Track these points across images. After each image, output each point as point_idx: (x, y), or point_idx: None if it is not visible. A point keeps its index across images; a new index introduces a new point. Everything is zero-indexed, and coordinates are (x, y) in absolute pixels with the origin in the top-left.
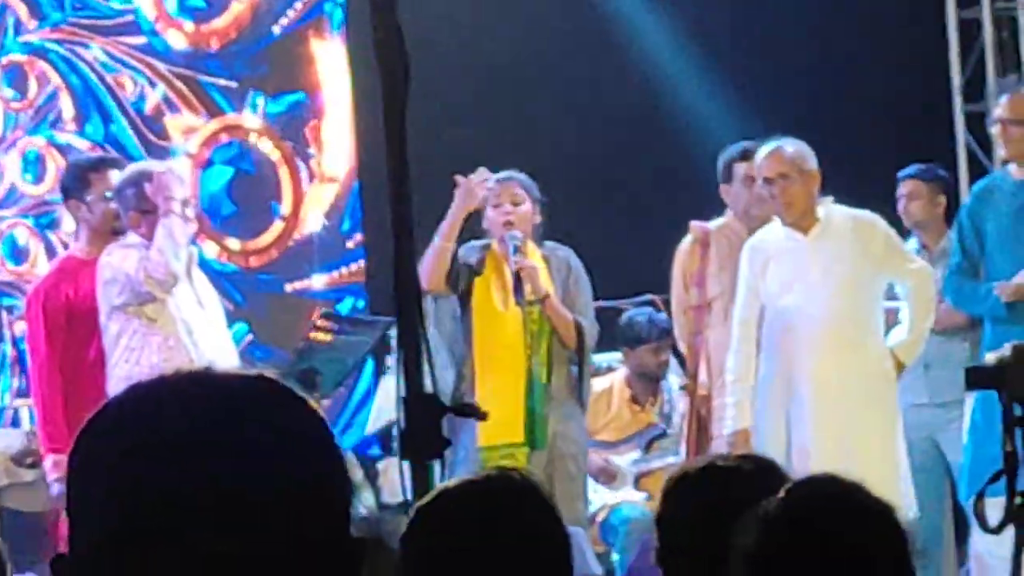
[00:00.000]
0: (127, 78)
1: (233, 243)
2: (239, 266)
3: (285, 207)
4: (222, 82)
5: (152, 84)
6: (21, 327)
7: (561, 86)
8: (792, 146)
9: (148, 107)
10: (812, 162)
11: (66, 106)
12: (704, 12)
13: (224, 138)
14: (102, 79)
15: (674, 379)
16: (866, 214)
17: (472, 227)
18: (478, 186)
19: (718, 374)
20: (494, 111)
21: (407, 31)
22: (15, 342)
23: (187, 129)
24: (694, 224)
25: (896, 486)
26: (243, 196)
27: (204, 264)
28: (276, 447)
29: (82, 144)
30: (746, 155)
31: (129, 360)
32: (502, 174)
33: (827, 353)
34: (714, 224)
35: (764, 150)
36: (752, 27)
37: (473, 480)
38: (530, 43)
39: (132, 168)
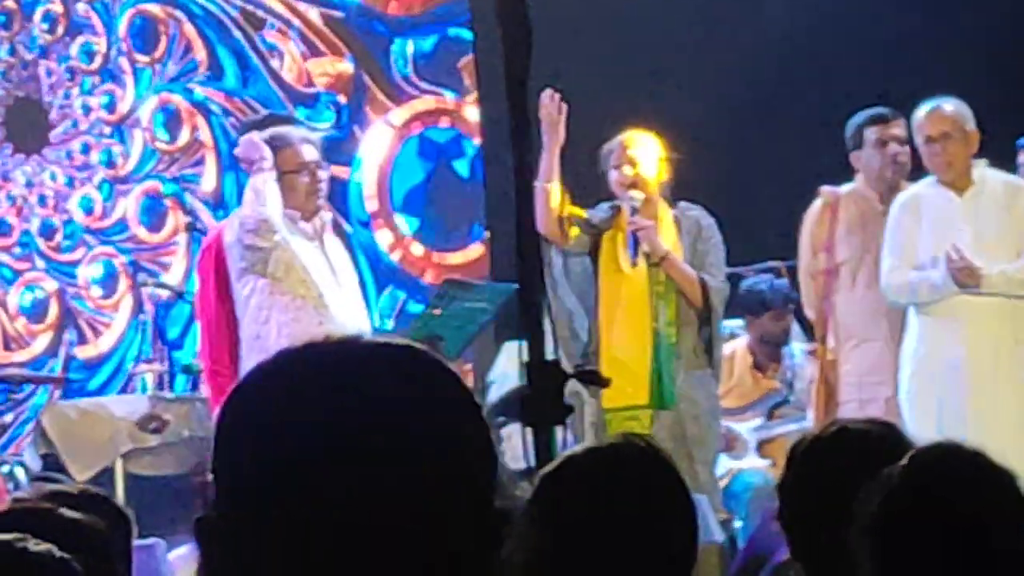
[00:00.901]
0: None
1: (416, 247)
2: (412, 272)
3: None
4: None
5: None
6: (158, 293)
7: (696, 42)
8: (952, 105)
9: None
10: (972, 122)
11: (200, 56)
12: None
13: (444, 122)
14: (235, 22)
15: (797, 345)
16: (1016, 179)
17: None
18: (554, 111)
19: (846, 339)
20: (625, 67)
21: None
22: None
23: (333, 75)
24: (824, 189)
25: None
26: (444, 197)
27: (368, 247)
28: (422, 417)
29: (218, 96)
30: (877, 120)
31: (258, 320)
32: (624, 134)
33: (979, 315)
34: (844, 189)
35: (924, 109)
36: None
37: (599, 447)
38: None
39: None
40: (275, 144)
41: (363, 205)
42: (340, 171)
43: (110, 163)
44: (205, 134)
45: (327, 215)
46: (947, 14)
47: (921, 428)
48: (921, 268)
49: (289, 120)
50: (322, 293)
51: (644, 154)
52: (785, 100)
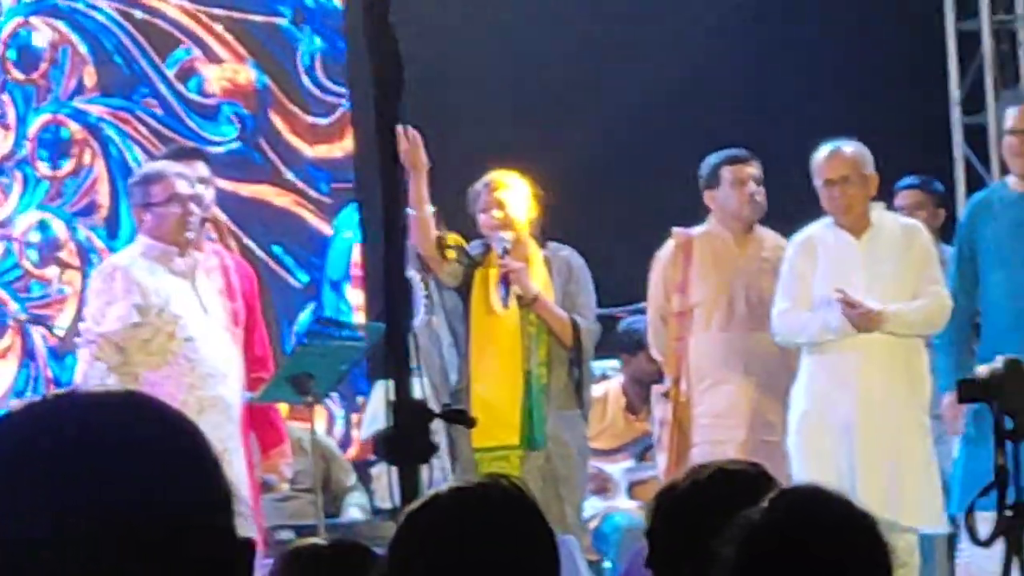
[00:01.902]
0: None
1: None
2: None
3: None
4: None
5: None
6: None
7: (561, 90)
8: (851, 147)
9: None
10: (871, 165)
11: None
12: (700, 21)
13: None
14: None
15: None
16: (913, 222)
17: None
18: (411, 144)
19: (699, 380)
20: (495, 113)
21: (413, 30)
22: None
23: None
24: (677, 231)
25: (936, 501)
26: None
27: None
28: (134, 466)
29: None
30: (733, 160)
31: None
32: (489, 176)
33: (875, 362)
34: (697, 231)
35: (824, 151)
36: (751, 38)
37: (463, 487)
38: (530, 47)
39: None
40: (148, 178)
41: None
42: (245, 189)
43: None
44: (96, 158)
45: (199, 255)
46: (819, 61)
47: (810, 466)
48: (815, 309)
49: (194, 152)
50: (191, 336)
51: (512, 196)
52: (663, 144)
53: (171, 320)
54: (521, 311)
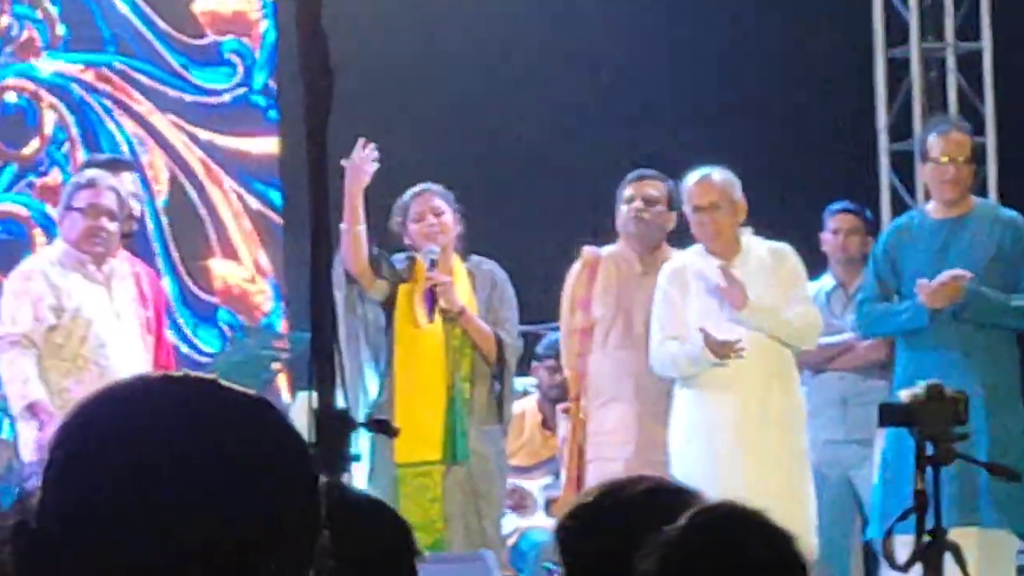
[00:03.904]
0: None
1: None
2: None
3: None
4: None
5: None
6: None
7: (496, 101)
8: (721, 175)
9: None
10: (739, 191)
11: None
12: (633, 41)
13: None
14: None
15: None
16: (781, 244)
17: (399, 242)
18: (364, 161)
19: (594, 397)
20: (418, 124)
21: (347, 30)
22: None
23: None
24: (585, 249)
25: (804, 522)
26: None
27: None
28: (265, 474)
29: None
30: (634, 178)
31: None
32: (416, 188)
33: (747, 389)
34: (606, 250)
35: (693, 178)
36: (681, 60)
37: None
38: (451, 58)
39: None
40: (79, 182)
41: None
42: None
43: None
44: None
45: (118, 264)
46: (748, 84)
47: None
48: (690, 339)
49: (120, 163)
50: (104, 343)
51: (444, 204)
52: (590, 159)
53: (84, 324)
54: (445, 325)
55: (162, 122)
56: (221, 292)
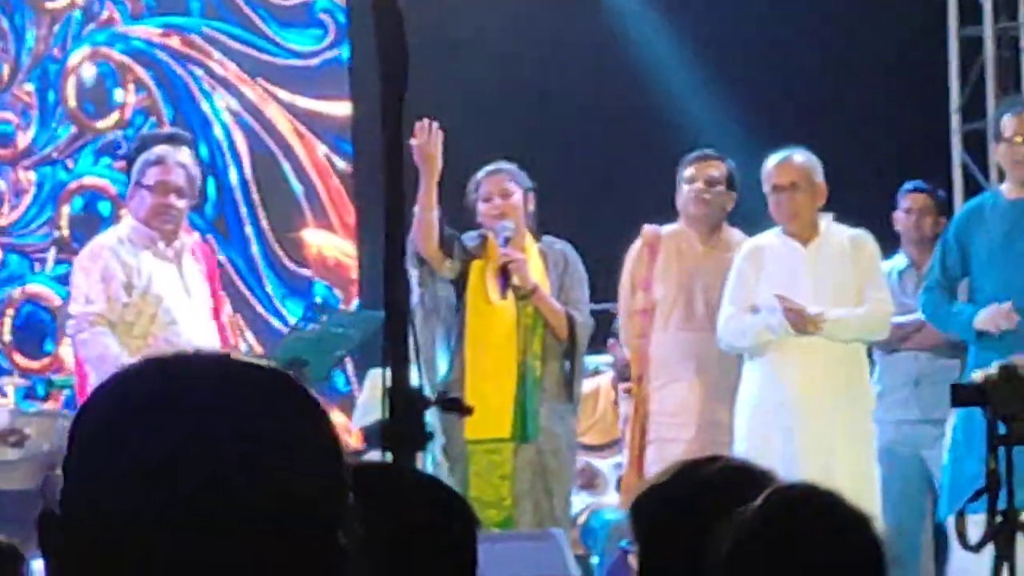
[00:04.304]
0: None
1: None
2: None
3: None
4: None
5: None
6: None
7: (564, 84)
8: (802, 156)
9: None
10: (820, 174)
11: None
12: (707, 23)
13: None
14: None
15: (622, 384)
16: (861, 232)
17: (470, 221)
18: (430, 145)
19: (655, 378)
20: (495, 107)
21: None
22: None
23: None
24: (646, 228)
25: (870, 502)
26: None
27: None
28: (284, 452)
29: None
30: (694, 159)
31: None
32: (490, 167)
33: (815, 367)
34: (666, 229)
35: (774, 158)
36: (754, 41)
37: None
38: (534, 43)
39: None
40: (149, 159)
41: None
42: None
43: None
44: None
45: (188, 239)
46: (821, 66)
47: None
48: (761, 304)
49: (178, 137)
50: (175, 319)
51: (513, 186)
52: (660, 140)
53: (154, 301)
54: (518, 303)
55: (253, 88)
56: (315, 262)
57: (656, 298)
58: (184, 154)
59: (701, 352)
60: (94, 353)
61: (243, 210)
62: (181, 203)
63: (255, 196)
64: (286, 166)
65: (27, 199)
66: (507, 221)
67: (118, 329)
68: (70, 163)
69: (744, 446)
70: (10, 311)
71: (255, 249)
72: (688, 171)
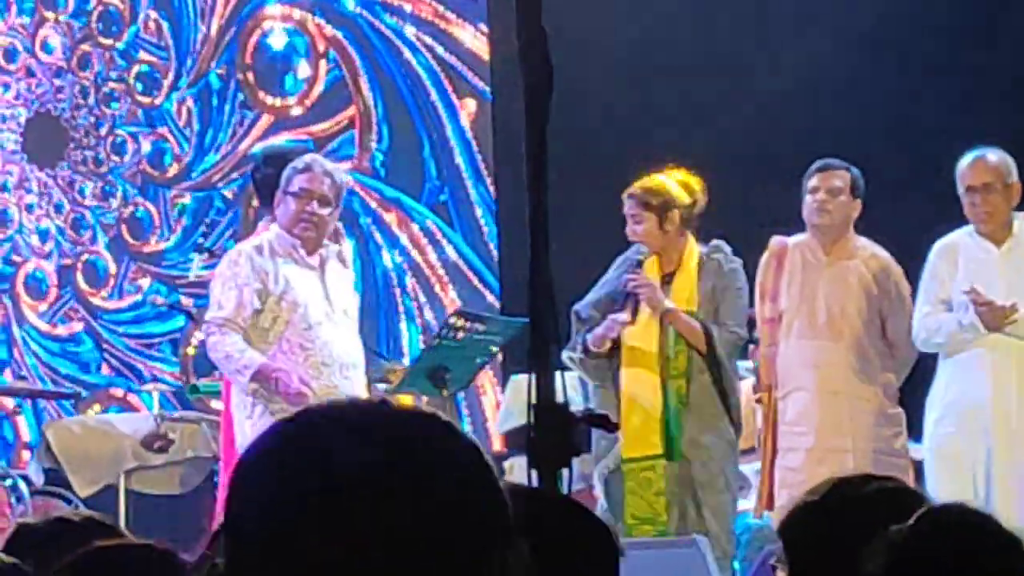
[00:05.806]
0: None
1: None
2: None
3: None
4: None
5: None
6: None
7: (716, 75)
8: (996, 156)
9: None
10: (1015, 174)
11: None
12: (852, 28)
13: None
14: None
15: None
16: None
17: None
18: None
19: (780, 387)
20: (641, 108)
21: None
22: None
23: None
24: (774, 238)
25: None
26: None
27: None
28: (442, 494)
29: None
30: (817, 169)
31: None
32: (633, 186)
33: (1008, 370)
34: (793, 240)
35: (968, 158)
36: (900, 47)
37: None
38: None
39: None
40: (297, 167)
41: None
42: None
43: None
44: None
45: (335, 247)
46: (970, 69)
47: (943, 473)
48: (953, 304)
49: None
50: (311, 325)
51: (645, 208)
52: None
53: (289, 307)
54: (662, 323)
55: None
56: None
57: (781, 308)
58: (330, 163)
59: (821, 361)
60: (220, 355)
61: None
62: (324, 211)
63: None
64: None
65: None
66: (639, 246)
67: (253, 335)
68: None
69: (930, 444)
70: None
71: None
72: (812, 181)
